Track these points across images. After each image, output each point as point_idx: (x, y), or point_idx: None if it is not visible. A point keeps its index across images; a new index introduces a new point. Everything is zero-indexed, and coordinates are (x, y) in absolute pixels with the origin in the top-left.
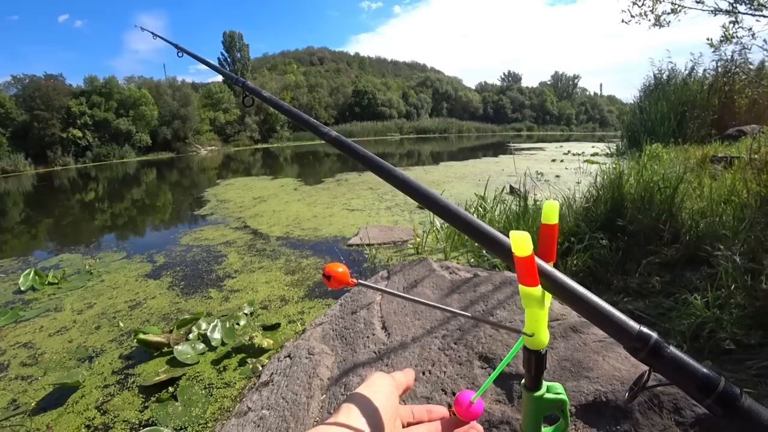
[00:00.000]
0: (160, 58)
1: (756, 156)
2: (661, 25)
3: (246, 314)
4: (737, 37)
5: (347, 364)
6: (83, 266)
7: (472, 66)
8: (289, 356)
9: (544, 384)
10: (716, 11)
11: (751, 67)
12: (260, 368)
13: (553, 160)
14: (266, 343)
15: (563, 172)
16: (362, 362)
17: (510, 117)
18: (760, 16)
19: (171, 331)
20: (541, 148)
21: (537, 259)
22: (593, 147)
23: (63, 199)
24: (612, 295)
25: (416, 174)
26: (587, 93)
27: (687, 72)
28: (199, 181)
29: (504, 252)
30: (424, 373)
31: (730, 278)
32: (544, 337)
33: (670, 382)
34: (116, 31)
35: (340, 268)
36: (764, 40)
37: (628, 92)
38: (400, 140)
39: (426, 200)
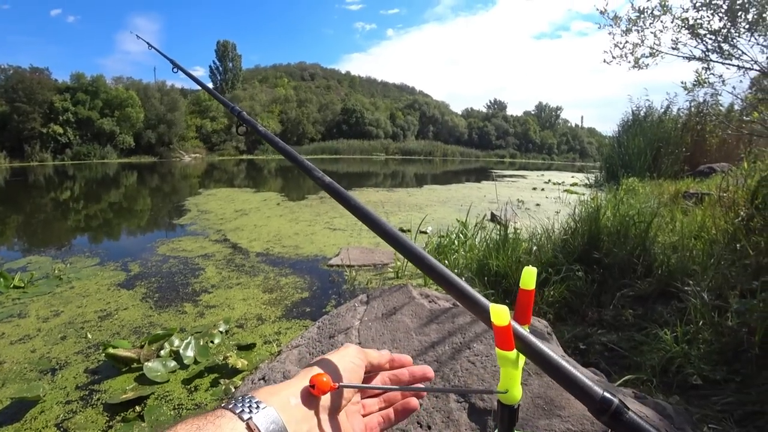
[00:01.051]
0: (152, 61)
1: (724, 194)
2: (639, 67)
3: (221, 332)
4: (709, 82)
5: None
6: (52, 270)
7: (459, 92)
8: (263, 379)
9: None
10: (691, 58)
11: (722, 108)
12: (233, 390)
13: (534, 189)
14: (240, 363)
15: (543, 201)
16: None
17: (494, 143)
18: (729, 64)
19: (142, 346)
20: (522, 176)
21: (513, 323)
22: (573, 177)
23: (36, 196)
24: (586, 327)
25: (399, 196)
26: (569, 124)
27: (663, 110)
28: (180, 188)
29: (482, 313)
30: None
31: (698, 314)
32: (517, 393)
33: None
34: (109, 31)
35: (324, 377)
36: (733, 87)
37: (607, 126)
38: (386, 160)
39: (417, 260)
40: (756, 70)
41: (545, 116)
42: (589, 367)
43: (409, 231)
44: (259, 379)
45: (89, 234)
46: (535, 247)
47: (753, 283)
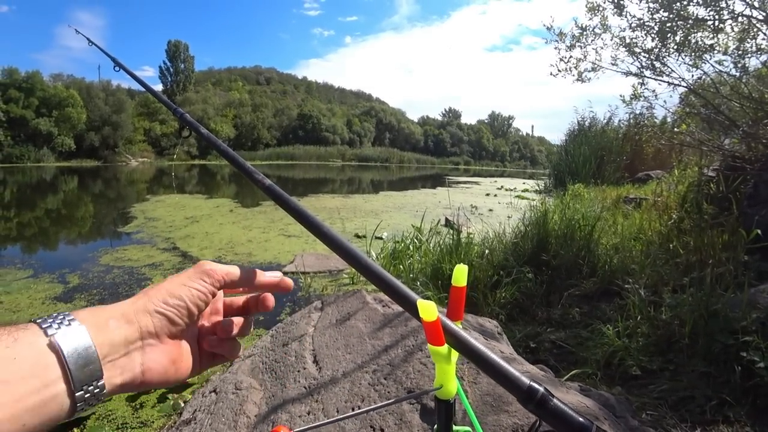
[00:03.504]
0: (96, 59)
1: (659, 199)
2: (583, 81)
3: None
4: (644, 96)
5: (276, 400)
6: None
7: (415, 100)
8: (214, 391)
9: (455, 428)
10: (628, 73)
11: (656, 121)
12: (182, 405)
13: (487, 195)
14: None
15: (496, 206)
16: (292, 398)
17: (449, 150)
18: (661, 80)
19: None
20: (476, 182)
21: (444, 319)
22: (524, 183)
23: None
24: (536, 326)
25: (355, 202)
26: (520, 133)
27: (605, 121)
28: (126, 194)
29: (413, 310)
30: (353, 409)
31: (636, 310)
32: (452, 387)
33: (553, 429)
34: (49, 24)
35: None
36: (664, 101)
37: (555, 135)
38: (342, 166)
39: (353, 260)
40: (683, 86)
41: (498, 125)
42: (539, 364)
43: (364, 237)
44: (211, 392)
45: (21, 244)
46: (487, 251)
47: (684, 279)
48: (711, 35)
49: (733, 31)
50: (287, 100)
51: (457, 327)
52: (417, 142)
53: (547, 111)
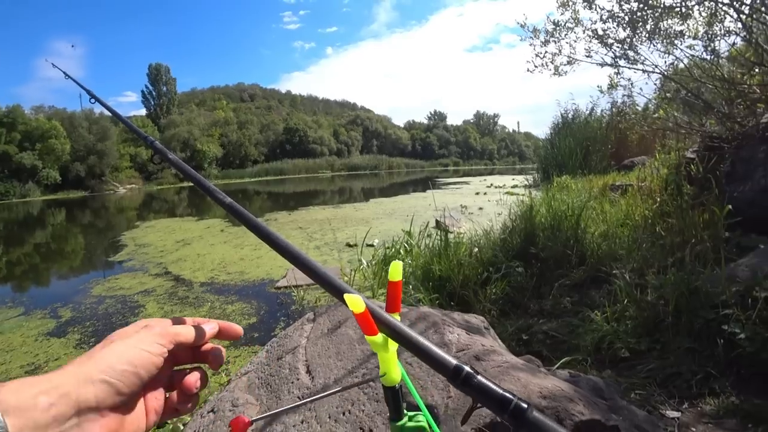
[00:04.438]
0: (77, 88)
1: (643, 184)
2: (559, 74)
3: None
4: (621, 85)
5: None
6: None
7: (400, 105)
8: (212, 411)
9: (406, 414)
10: (603, 64)
11: (638, 108)
12: (181, 427)
13: (477, 194)
14: None
15: (486, 205)
16: (286, 409)
17: (437, 153)
18: (635, 69)
19: None
20: (466, 182)
21: (378, 310)
22: (513, 179)
23: None
24: (528, 318)
25: (346, 212)
26: (506, 130)
27: (588, 112)
28: (116, 223)
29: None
30: (344, 413)
31: (623, 294)
32: (395, 375)
33: (479, 403)
34: (27, 56)
35: (245, 417)
36: (640, 88)
37: (541, 129)
38: (332, 177)
39: (306, 269)
40: (657, 73)
41: (484, 124)
42: (531, 354)
43: (355, 245)
44: (209, 412)
45: (12, 282)
46: (475, 249)
47: (668, 260)
48: (680, 21)
49: (701, 15)
50: (272, 115)
51: (392, 317)
52: (405, 147)
53: (532, 106)
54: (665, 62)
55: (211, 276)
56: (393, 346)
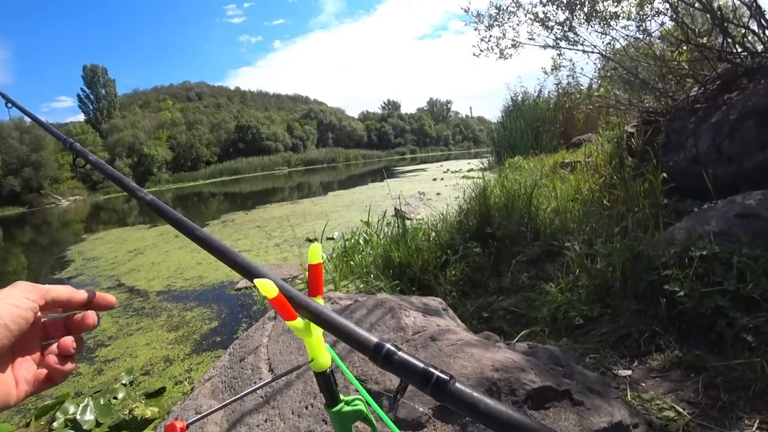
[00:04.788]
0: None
1: (589, 160)
2: (505, 58)
3: (124, 385)
4: (563, 66)
5: (235, 415)
6: None
7: (353, 96)
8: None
9: (343, 399)
10: (546, 46)
11: (582, 88)
12: None
13: (434, 179)
14: (150, 412)
15: (443, 190)
16: (250, 409)
17: (393, 142)
18: (576, 50)
19: (28, 424)
20: (423, 169)
21: (297, 294)
22: (469, 163)
23: None
24: (488, 296)
25: (304, 207)
26: (460, 115)
27: (536, 94)
28: (60, 238)
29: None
30: (306, 408)
31: (575, 264)
32: (323, 360)
33: (402, 379)
34: None
35: (179, 422)
36: (581, 68)
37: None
38: (289, 173)
39: (221, 255)
40: (596, 53)
41: (437, 110)
42: (492, 331)
43: (315, 240)
44: None
45: None
46: (433, 233)
47: (614, 229)
48: (614, 3)
49: None
50: (223, 114)
51: (312, 301)
52: (361, 138)
53: (483, 91)
54: (603, 42)
55: (168, 284)
56: (317, 330)
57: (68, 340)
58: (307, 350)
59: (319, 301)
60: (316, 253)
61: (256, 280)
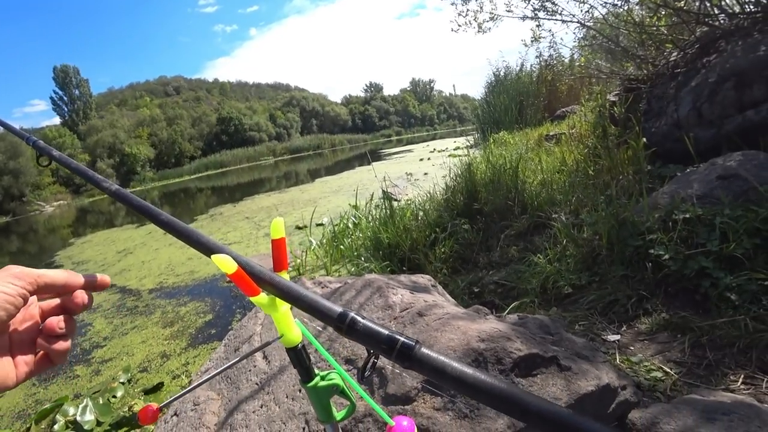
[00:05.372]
0: None
1: (573, 131)
2: (483, 32)
3: (122, 383)
4: (542, 37)
5: (232, 403)
6: None
7: (335, 81)
8: (176, 414)
9: (318, 374)
10: (524, 17)
11: (564, 59)
12: None
13: (421, 160)
14: None
15: (431, 169)
16: (246, 397)
17: (378, 125)
18: (555, 20)
19: (28, 429)
20: (410, 150)
21: (259, 268)
22: (455, 142)
23: None
24: (478, 271)
25: (292, 195)
26: (443, 94)
27: (518, 68)
28: (48, 244)
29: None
30: (300, 391)
31: (562, 235)
32: (292, 336)
33: (367, 347)
34: None
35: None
36: (561, 38)
37: (476, 90)
38: (275, 163)
39: (185, 237)
40: (575, 22)
41: (421, 90)
42: (483, 305)
43: (305, 227)
44: (172, 416)
45: None
46: (421, 212)
47: (600, 198)
48: None
49: None
50: (203, 107)
51: (276, 275)
52: (345, 123)
53: (466, 69)
54: (582, 11)
55: (160, 281)
56: (283, 305)
57: (53, 321)
58: (277, 326)
59: (284, 276)
60: (279, 228)
61: (213, 257)
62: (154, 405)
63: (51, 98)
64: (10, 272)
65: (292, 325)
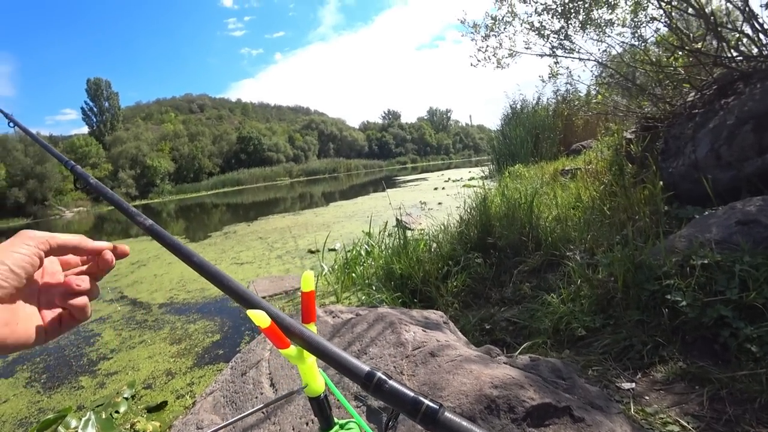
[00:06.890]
0: (6, 109)
1: (589, 167)
2: (502, 67)
3: (126, 398)
4: (560, 74)
5: (236, 429)
6: None
7: (354, 107)
8: None
9: (337, 422)
10: (542, 55)
11: (581, 94)
12: None
13: (436, 189)
14: (151, 427)
15: (445, 199)
16: (250, 425)
17: (394, 152)
18: (572, 57)
19: None
20: (424, 178)
21: (290, 322)
22: (470, 172)
23: None
24: (490, 307)
25: (306, 218)
26: (460, 124)
27: (535, 101)
28: None
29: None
30: (307, 424)
31: (576, 274)
32: (316, 386)
33: (393, 407)
34: None
35: None
36: (578, 76)
37: (493, 121)
38: (291, 184)
39: (218, 282)
40: (592, 60)
41: (438, 119)
42: (493, 344)
43: (317, 251)
44: None
45: None
46: (434, 244)
47: (616, 237)
48: (608, 11)
49: (627, 4)
50: (224, 125)
51: (305, 328)
52: (361, 148)
53: (483, 99)
54: (599, 50)
55: (170, 296)
56: (310, 357)
57: (71, 279)
58: (301, 376)
59: (312, 328)
60: (309, 282)
61: (248, 312)
62: None
63: (82, 108)
64: (25, 235)
65: (317, 376)
